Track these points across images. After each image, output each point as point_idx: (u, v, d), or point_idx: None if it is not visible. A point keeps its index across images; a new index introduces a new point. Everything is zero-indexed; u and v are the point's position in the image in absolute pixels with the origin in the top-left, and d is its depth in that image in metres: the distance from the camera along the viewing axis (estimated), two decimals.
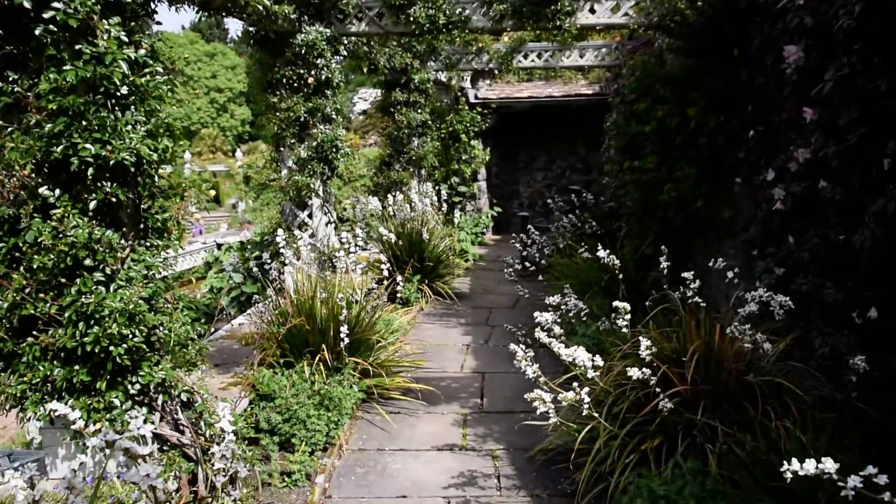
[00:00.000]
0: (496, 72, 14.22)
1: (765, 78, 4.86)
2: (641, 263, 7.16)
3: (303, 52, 6.44)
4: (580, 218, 9.20)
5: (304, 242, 5.86)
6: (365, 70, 8.65)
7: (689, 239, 6.85)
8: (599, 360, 3.34)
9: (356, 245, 6.22)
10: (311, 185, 6.72)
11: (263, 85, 6.75)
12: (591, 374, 3.35)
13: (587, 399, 3.24)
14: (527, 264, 6.97)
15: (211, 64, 53.10)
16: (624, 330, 3.67)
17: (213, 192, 32.55)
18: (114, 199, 3.08)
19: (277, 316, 5.19)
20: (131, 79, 3.14)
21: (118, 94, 3.10)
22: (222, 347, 5.69)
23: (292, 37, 6.50)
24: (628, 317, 3.63)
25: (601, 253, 4.66)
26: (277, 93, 6.70)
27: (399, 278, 6.98)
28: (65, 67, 2.88)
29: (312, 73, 6.56)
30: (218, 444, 3.42)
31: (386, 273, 6.44)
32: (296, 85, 6.64)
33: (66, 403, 3.16)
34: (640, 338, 3.41)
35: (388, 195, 9.19)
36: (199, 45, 53.77)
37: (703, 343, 3.94)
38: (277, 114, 6.66)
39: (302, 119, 6.59)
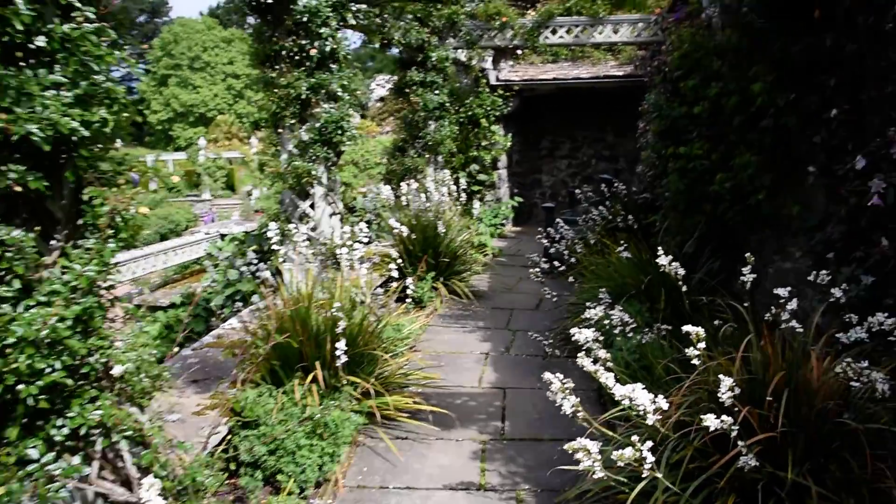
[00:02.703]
0: (519, 52, 13.35)
1: (857, 44, 4.00)
2: (683, 263, 6.31)
3: (304, 19, 5.65)
4: (611, 210, 8.34)
5: (302, 237, 5.08)
6: (377, 45, 7.84)
7: (741, 236, 6.00)
8: (663, 402, 2.55)
9: (360, 241, 5.44)
10: (313, 172, 5.94)
11: (261, 58, 5.96)
12: (651, 419, 2.55)
13: (651, 458, 2.44)
14: (555, 263, 6.15)
15: (228, 50, 52.60)
16: (695, 362, 2.86)
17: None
18: (20, 189, 2.31)
19: (265, 325, 4.42)
20: (50, 27, 2.37)
21: (31, 46, 2.33)
22: (205, 358, 4.95)
23: (293, 2, 5.70)
24: (702, 345, 2.82)
25: (662, 259, 3.79)
26: (276, 67, 5.91)
27: (410, 279, 6.19)
28: None
29: (315, 44, 5.77)
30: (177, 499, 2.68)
31: (396, 273, 5.66)
32: (297, 58, 5.85)
33: None
34: (721, 377, 2.60)
35: (402, 183, 8.39)
36: (216, 30, 53.31)
37: (786, 374, 3.13)
38: (276, 91, 5.88)
39: (303, 97, 5.80)
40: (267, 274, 5.17)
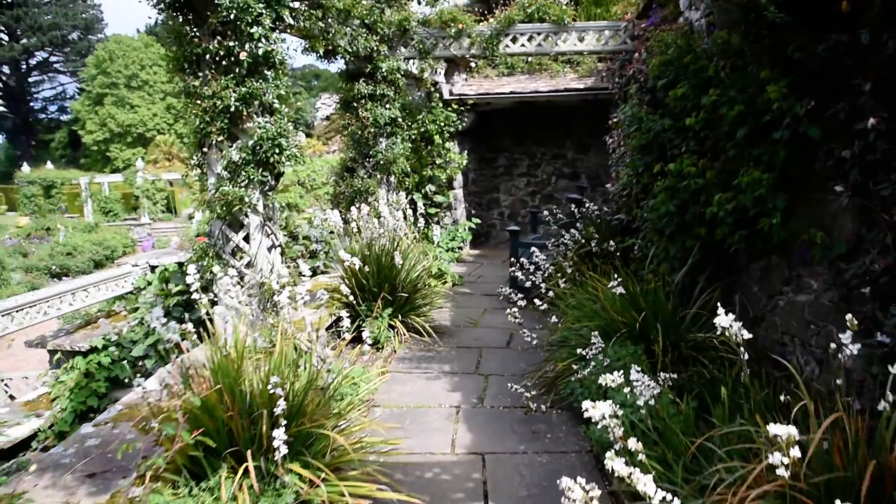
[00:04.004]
0: (473, 64, 12.66)
1: None
2: (673, 294, 5.58)
3: (231, 16, 4.75)
4: (584, 233, 7.62)
5: (229, 281, 4.14)
6: (321, 52, 6.95)
7: (742, 264, 5.31)
8: None
9: (303, 277, 4.53)
10: (246, 199, 5.00)
11: (180, 63, 5.02)
12: None
13: None
14: (535, 301, 5.32)
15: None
16: (782, 472, 2.03)
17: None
18: None
19: (183, 403, 3.42)
20: None
21: None
22: (109, 439, 3.90)
23: None
24: (796, 452, 1.99)
25: (722, 319, 2.83)
26: (199, 74, 4.99)
27: (366, 320, 5.30)
28: None
29: (246, 46, 4.87)
30: None
31: (347, 314, 4.76)
32: (224, 63, 4.93)
33: None
34: None
35: (352, 207, 7.48)
36: (154, 48, 51.42)
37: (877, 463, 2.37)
38: (199, 102, 4.95)
39: (232, 109, 4.89)
40: (189, 326, 4.21)
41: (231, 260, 5.25)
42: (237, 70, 4.89)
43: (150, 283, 9.58)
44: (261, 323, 5.28)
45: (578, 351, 4.83)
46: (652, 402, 3.17)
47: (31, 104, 62.01)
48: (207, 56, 4.88)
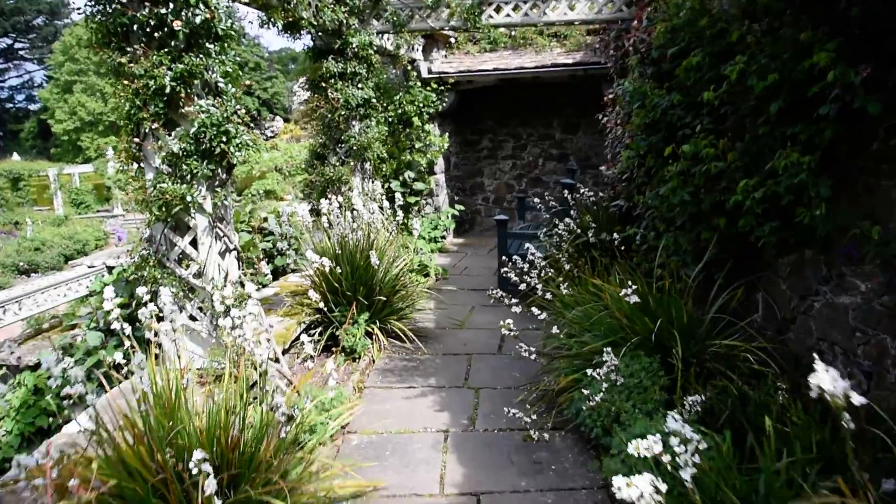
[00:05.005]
0: (453, 40, 11.83)
1: None
2: (687, 292, 4.90)
3: None
4: (578, 223, 6.91)
5: (165, 300, 3.38)
6: (280, 25, 6.13)
7: (768, 258, 4.63)
8: None
9: (262, 283, 3.78)
10: (189, 197, 4.22)
11: (105, 36, 4.20)
12: None
13: None
14: (534, 310, 4.60)
15: None
16: None
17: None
18: None
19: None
20: None
21: None
22: None
23: None
24: None
25: (823, 380, 2.12)
26: (128, 49, 4.17)
27: (338, 318, 4.57)
28: None
29: (181, 14, 4.06)
30: None
31: (319, 318, 4.03)
32: (157, 35, 4.12)
33: None
34: None
35: (323, 199, 6.70)
36: None
37: None
38: (129, 82, 4.14)
39: (168, 89, 4.08)
40: (118, 356, 3.49)
41: (176, 269, 4.49)
42: (172, 43, 4.09)
43: (105, 286, 8.75)
44: (214, 342, 4.53)
45: (586, 371, 4.13)
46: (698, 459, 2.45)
47: None
48: (136, 27, 4.06)
